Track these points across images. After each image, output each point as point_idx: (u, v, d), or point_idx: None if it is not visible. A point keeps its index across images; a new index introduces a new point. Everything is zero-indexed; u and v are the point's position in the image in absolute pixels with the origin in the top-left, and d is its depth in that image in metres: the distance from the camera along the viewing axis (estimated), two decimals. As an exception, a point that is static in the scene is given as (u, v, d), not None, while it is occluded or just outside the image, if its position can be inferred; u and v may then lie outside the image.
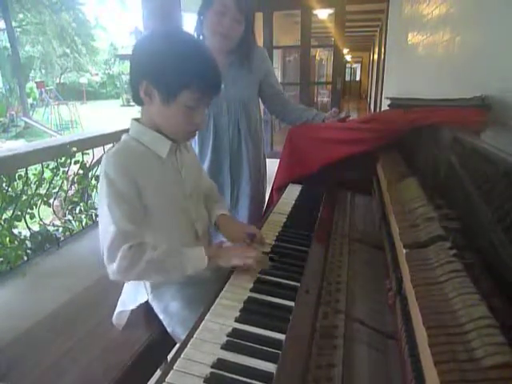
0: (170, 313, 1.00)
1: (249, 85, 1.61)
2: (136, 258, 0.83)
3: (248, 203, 1.72)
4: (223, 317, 0.74)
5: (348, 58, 18.37)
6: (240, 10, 1.41)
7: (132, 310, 1.05)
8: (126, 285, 1.08)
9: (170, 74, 0.85)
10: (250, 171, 1.69)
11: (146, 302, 1.04)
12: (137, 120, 0.96)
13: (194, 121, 0.92)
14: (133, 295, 1.06)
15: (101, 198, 0.87)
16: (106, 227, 0.84)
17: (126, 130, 0.97)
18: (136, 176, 0.89)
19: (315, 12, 5.26)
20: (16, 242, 2.52)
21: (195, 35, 1.53)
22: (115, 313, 1.05)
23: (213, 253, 0.91)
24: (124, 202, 0.86)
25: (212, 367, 0.61)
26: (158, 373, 0.64)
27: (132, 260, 0.83)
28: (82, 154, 2.98)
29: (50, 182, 2.86)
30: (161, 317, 1.02)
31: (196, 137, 1.61)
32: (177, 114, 0.90)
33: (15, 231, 2.60)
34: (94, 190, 3.22)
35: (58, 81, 21.27)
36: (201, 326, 0.71)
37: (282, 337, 0.67)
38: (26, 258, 2.53)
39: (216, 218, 1.12)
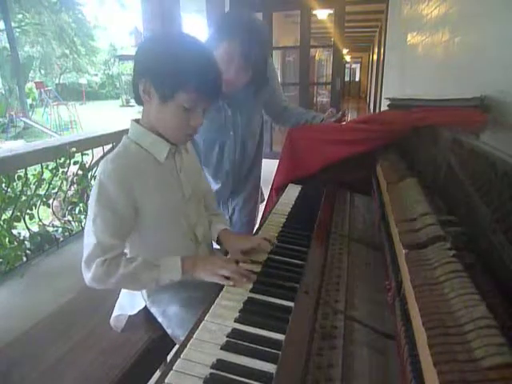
0: (169, 316, 1.00)
1: (255, 108, 1.59)
2: (110, 270, 0.85)
3: (244, 211, 1.75)
4: (223, 317, 0.74)
5: (347, 58, 18.39)
6: (246, 60, 1.31)
7: (130, 314, 1.05)
8: (121, 291, 1.08)
9: (167, 73, 0.85)
10: (250, 182, 1.72)
11: (145, 306, 1.04)
12: (136, 121, 0.96)
13: (190, 123, 0.91)
14: (130, 301, 1.05)
15: (90, 204, 0.88)
16: (89, 237, 0.86)
17: (126, 131, 0.97)
18: (133, 183, 0.89)
19: (315, 12, 5.27)
20: (15, 243, 2.51)
21: None
22: (113, 316, 1.05)
23: (189, 265, 0.91)
24: (111, 213, 0.86)
25: (211, 368, 0.61)
26: (158, 373, 0.64)
27: (106, 272, 0.85)
28: (82, 155, 2.98)
29: (50, 183, 2.86)
30: (160, 320, 1.02)
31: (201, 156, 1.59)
32: (173, 115, 0.89)
33: (14, 232, 2.59)
34: (94, 190, 3.22)
35: (57, 81, 21.26)
36: (200, 326, 0.71)
37: (281, 337, 0.67)
38: (25, 259, 2.53)
39: (218, 232, 1.11)
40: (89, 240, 0.86)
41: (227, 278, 0.86)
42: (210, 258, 1.02)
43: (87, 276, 0.86)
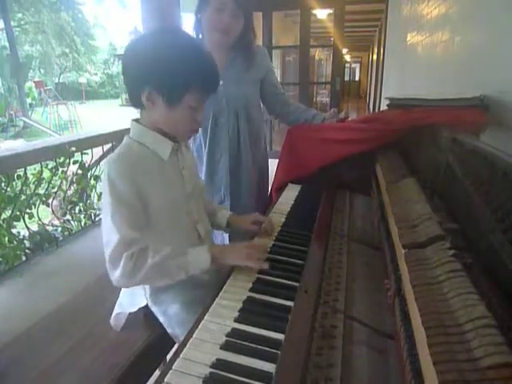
0: (170, 315, 1.00)
1: (250, 83, 1.61)
2: (139, 263, 0.83)
3: (249, 202, 1.71)
4: (222, 317, 0.74)
5: (347, 57, 18.39)
6: (238, 6, 1.42)
7: (131, 311, 1.05)
8: (122, 289, 1.08)
9: (173, 79, 0.85)
10: (249, 171, 1.67)
11: (145, 305, 1.04)
12: (136, 121, 0.96)
13: (196, 119, 0.94)
14: (131, 299, 1.05)
15: (104, 204, 0.87)
16: (110, 236, 0.84)
17: (126, 130, 0.97)
18: (139, 180, 0.89)
19: (314, 12, 5.27)
20: (15, 242, 2.51)
21: (194, 35, 1.54)
22: (113, 315, 1.05)
23: (217, 252, 0.91)
24: (127, 208, 0.86)
25: (211, 367, 0.61)
26: (157, 373, 0.64)
27: (135, 266, 0.83)
28: (81, 154, 2.98)
29: (49, 182, 2.86)
30: (161, 319, 1.02)
31: (200, 134, 1.60)
32: (182, 116, 0.91)
33: (14, 231, 2.59)
34: (93, 189, 3.22)
35: (56, 80, 21.21)
36: (200, 326, 0.71)
37: (281, 337, 0.67)
38: (24, 258, 2.52)
39: (227, 218, 1.17)
40: (109, 237, 0.84)
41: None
42: (238, 244, 1.01)
43: (115, 274, 0.84)
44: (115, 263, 0.84)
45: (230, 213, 1.20)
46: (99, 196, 3.16)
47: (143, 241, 0.87)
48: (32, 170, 2.77)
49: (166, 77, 0.86)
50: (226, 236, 1.66)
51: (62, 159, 2.78)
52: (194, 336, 0.69)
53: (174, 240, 1.00)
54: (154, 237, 0.96)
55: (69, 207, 3.05)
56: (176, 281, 0.92)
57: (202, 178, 1.63)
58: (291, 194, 1.46)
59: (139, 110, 0.97)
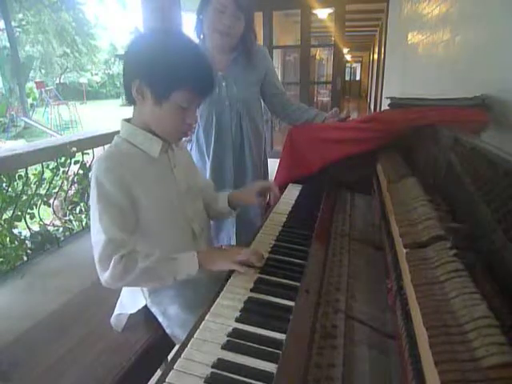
0: (169, 316, 1.00)
1: (251, 83, 1.61)
2: (128, 267, 0.82)
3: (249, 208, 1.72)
4: (223, 317, 0.74)
5: (348, 57, 18.36)
6: (239, 7, 1.42)
7: (131, 312, 1.05)
8: (123, 289, 1.08)
9: (163, 74, 0.85)
10: (252, 169, 1.70)
11: (145, 306, 1.04)
12: (127, 120, 0.96)
13: (186, 121, 0.92)
14: (131, 300, 1.05)
15: (92, 204, 0.87)
16: (97, 236, 0.84)
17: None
18: (128, 180, 0.89)
19: (315, 11, 5.26)
20: (16, 242, 2.51)
21: (195, 35, 1.54)
22: (113, 315, 1.05)
23: (205, 257, 0.89)
24: (115, 209, 0.86)
25: (212, 367, 0.61)
26: (159, 373, 0.64)
27: (124, 269, 0.82)
28: (82, 154, 2.98)
29: (50, 182, 2.86)
30: (160, 319, 1.02)
31: (201, 135, 1.62)
32: (169, 114, 0.90)
33: (15, 231, 2.60)
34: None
35: (57, 81, 21.22)
36: (201, 326, 0.71)
37: (282, 337, 0.67)
38: (26, 258, 2.53)
39: (227, 197, 1.15)
40: (97, 238, 0.84)
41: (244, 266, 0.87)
42: (224, 249, 1.01)
43: (104, 275, 0.84)
44: (104, 265, 0.83)
45: (230, 191, 1.19)
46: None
47: (131, 242, 0.86)
48: (33, 170, 2.77)
49: (154, 70, 0.85)
50: (233, 236, 1.66)
51: (62, 159, 2.78)
52: (195, 336, 0.69)
53: (168, 238, 1.00)
54: (147, 236, 0.96)
55: (70, 207, 3.05)
56: (163, 284, 0.92)
57: (207, 178, 1.63)
58: (292, 193, 1.46)
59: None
